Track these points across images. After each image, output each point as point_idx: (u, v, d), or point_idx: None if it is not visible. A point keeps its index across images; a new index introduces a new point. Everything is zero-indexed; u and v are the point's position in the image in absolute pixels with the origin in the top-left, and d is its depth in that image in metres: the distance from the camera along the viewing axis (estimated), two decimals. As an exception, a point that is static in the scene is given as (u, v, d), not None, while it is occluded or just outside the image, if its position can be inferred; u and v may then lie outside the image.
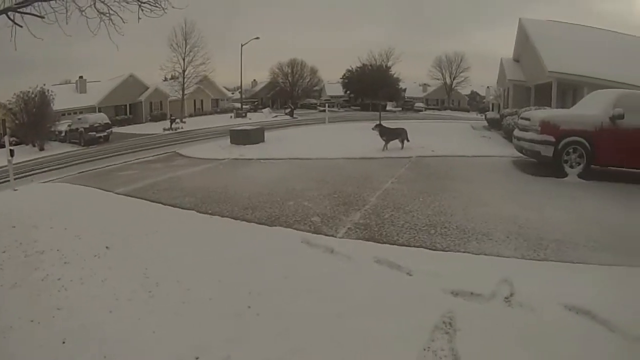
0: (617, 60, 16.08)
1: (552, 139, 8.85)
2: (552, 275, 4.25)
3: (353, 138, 13.30)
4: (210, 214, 6.49)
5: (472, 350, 3.02)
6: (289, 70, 72.00)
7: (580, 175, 8.66)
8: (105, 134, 31.40)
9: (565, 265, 4.50)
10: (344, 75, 66.73)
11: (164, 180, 9.30)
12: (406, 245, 5.07)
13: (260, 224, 5.96)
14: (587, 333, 3.26)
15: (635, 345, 3.11)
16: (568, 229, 5.56)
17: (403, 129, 13.50)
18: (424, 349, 3.06)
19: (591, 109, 9.19)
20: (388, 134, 13.00)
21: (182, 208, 6.86)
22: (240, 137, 15.97)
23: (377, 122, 13.60)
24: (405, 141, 13.20)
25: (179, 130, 35.69)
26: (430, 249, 4.97)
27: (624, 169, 9.04)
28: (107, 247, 5.11)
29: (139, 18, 6.69)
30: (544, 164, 9.25)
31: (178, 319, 3.52)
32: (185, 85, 46.07)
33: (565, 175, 8.73)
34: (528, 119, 9.83)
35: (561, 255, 4.74)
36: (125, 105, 46.83)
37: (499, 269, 4.30)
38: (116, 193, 8.14)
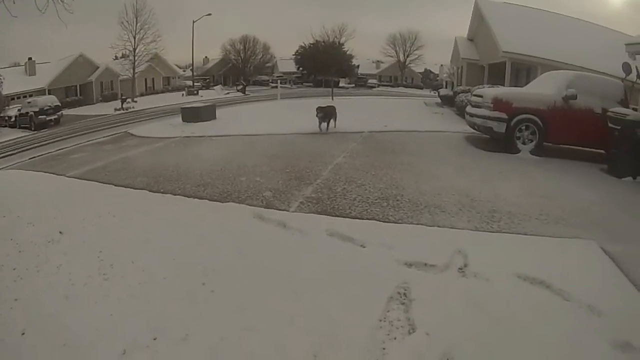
0: (571, 43, 16.71)
1: (504, 115, 9.06)
2: (505, 247, 4.36)
3: (305, 114, 13.20)
4: (163, 192, 6.37)
5: (428, 320, 3.03)
6: (241, 47, 70.95)
7: (532, 152, 8.95)
8: (55, 116, 30.71)
9: (518, 237, 4.61)
10: (297, 51, 66.21)
11: (115, 161, 9.06)
12: (359, 218, 5.08)
13: (212, 200, 5.88)
14: (543, 302, 3.34)
15: (590, 313, 3.21)
16: (520, 202, 5.71)
17: (333, 106, 12.63)
18: (380, 320, 3.06)
19: (545, 89, 9.49)
20: (330, 115, 12.07)
21: (134, 188, 6.70)
22: (192, 115, 15.83)
23: (319, 106, 12.21)
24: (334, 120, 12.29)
25: (130, 110, 35.39)
26: (383, 221, 4.98)
27: (575, 147, 9.46)
28: (60, 232, 4.92)
29: None
30: (496, 140, 9.48)
31: (134, 300, 3.46)
32: (136, 63, 45.13)
33: (517, 151, 9.00)
34: (481, 96, 10.00)
35: (514, 227, 4.85)
36: (76, 86, 45.09)
37: (453, 241, 4.35)
38: (68, 176, 7.88)
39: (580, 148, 9.48)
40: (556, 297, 3.39)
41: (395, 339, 2.90)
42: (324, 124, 11.79)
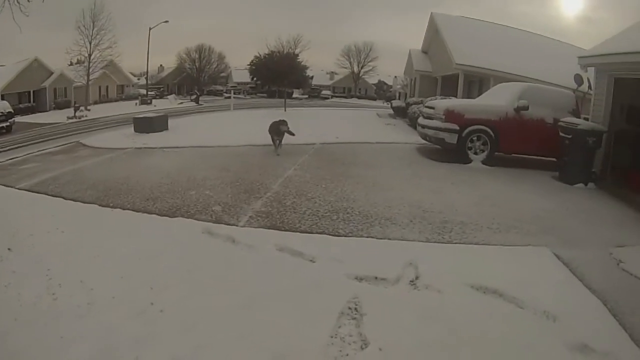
0: (524, 56, 17.53)
1: (456, 127, 9.32)
2: (457, 257, 4.43)
3: (257, 125, 13.15)
4: (112, 207, 6.21)
5: (381, 335, 3.03)
6: (197, 56, 71.59)
7: (484, 162, 9.24)
8: (7, 124, 28.73)
9: (470, 247, 4.72)
10: (252, 61, 66.06)
11: (65, 173, 8.76)
12: (308, 232, 5.08)
13: (161, 215, 5.79)
14: (497, 311, 3.41)
15: (545, 319, 3.31)
16: (471, 212, 5.86)
17: (284, 120, 11.14)
18: (331, 336, 3.04)
19: (497, 100, 9.86)
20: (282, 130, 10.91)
21: (83, 202, 6.53)
22: (144, 125, 15.58)
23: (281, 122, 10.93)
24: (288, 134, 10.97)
25: (83, 119, 34.37)
26: (333, 235, 5.00)
27: (526, 156, 9.89)
28: (9, 249, 4.72)
29: None
30: (448, 151, 9.71)
31: (83, 321, 3.35)
32: (91, 70, 43.97)
33: (469, 161, 9.27)
34: (432, 108, 10.22)
35: (466, 237, 4.97)
36: (29, 92, 43.12)
37: (404, 253, 4.40)
38: (18, 188, 7.60)
39: (531, 157, 9.86)
40: (510, 304, 3.47)
41: (347, 355, 2.87)
42: (277, 140, 11.49)
